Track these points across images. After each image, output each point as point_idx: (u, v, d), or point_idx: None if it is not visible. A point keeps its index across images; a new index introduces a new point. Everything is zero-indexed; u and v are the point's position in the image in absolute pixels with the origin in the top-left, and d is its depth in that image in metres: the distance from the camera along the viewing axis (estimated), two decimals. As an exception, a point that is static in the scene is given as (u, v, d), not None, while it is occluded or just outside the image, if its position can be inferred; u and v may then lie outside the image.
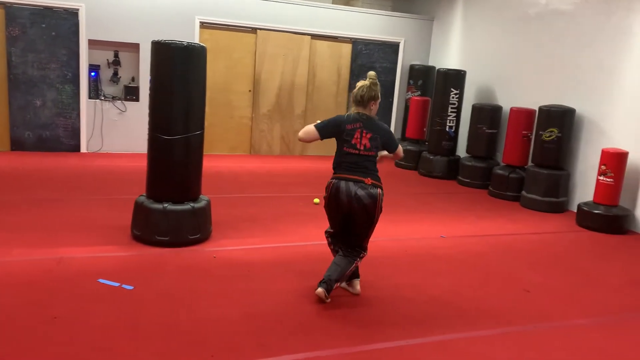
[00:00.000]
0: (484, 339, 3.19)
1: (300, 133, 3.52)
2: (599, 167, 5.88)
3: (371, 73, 3.58)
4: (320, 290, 3.43)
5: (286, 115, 9.03)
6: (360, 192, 3.36)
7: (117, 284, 3.54)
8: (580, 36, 6.66)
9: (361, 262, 3.63)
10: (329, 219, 3.63)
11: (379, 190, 3.43)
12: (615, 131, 6.20)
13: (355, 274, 3.67)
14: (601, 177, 5.85)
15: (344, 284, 3.69)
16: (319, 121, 3.57)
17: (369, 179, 3.40)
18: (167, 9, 8.01)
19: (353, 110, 3.52)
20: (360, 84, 3.53)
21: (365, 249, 3.60)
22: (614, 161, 5.76)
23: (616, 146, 6.09)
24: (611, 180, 5.77)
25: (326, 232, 3.73)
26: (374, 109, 3.52)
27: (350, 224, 3.51)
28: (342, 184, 3.39)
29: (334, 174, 3.50)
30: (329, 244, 3.73)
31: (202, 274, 3.83)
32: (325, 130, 3.49)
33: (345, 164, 3.44)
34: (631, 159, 5.89)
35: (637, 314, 3.77)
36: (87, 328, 2.97)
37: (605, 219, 5.78)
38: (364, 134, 3.42)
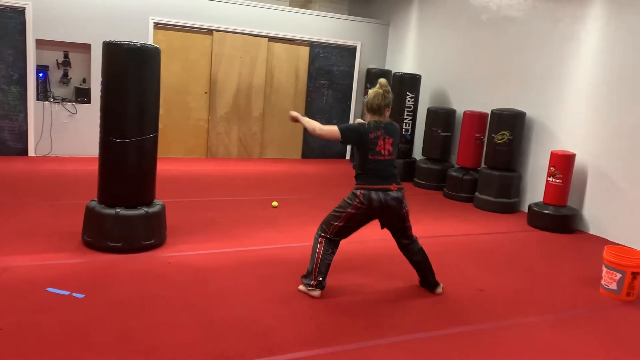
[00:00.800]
0: (439, 339, 3.24)
1: (323, 130, 3.62)
2: (548, 169, 6.08)
3: (382, 80, 3.66)
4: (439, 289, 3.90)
5: (244, 118, 8.96)
6: (391, 202, 3.58)
7: (67, 293, 3.42)
8: (530, 42, 6.89)
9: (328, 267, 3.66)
10: (347, 227, 3.66)
11: (402, 192, 3.67)
12: (563, 134, 6.44)
13: (434, 282, 3.94)
14: (550, 179, 6.06)
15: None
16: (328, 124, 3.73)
17: (393, 184, 3.60)
18: (119, 9, 7.82)
19: (369, 118, 3.65)
20: (373, 92, 3.62)
21: (413, 236, 3.86)
22: (563, 163, 5.98)
23: (564, 148, 6.32)
24: (560, 181, 5.98)
25: (324, 237, 3.69)
26: (387, 115, 3.67)
27: (386, 224, 3.75)
28: (373, 194, 3.55)
29: (360, 182, 3.62)
30: (322, 246, 3.68)
31: (156, 281, 3.74)
32: (348, 136, 3.64)
33: (372, 171, 3.59)
34: (578, 161, 6.12)
35: (585, 310, 3.92)
36: (35, 339, 2.85)
37: (554, 219, 5.98)
38: (386, 140, 3.60)
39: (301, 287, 3.73)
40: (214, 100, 8.72)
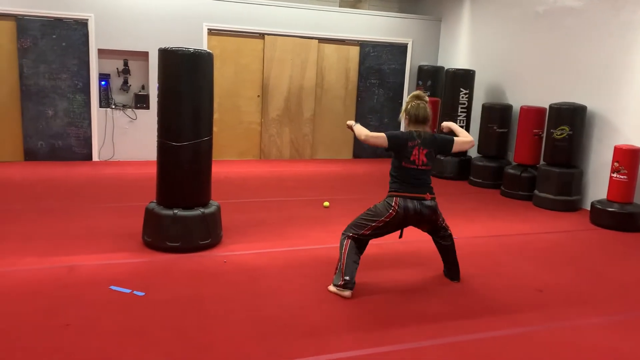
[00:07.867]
0: (497, 340, 3.16)
1: (370, 136, 3.72)
2: (612, 164, 5.80)
3: (419, 93, 3.79)
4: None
5: (295, 120, 9.05)
6: (425, 210, 3.65)
7: (128, 291, 3.56)
8: (589, 32, 6.60)
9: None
10: (379, 232, 3.70)
11: (435, 201, 3.74)
12: (628, 127, 6.13)
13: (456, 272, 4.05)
14: (614, 175, 5.78)
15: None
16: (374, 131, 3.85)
17: (427, 194, 3.67)
18: (175, 16, 8.08)
19: (412, 128, 3.73)
20: (416, 104, 3.70)
21: (448, 228, 3.93)
22: (627, 158, 5.69)
23: (629, 142, 6.01)
24: (625, 177, 5.69)
25: (351, 237, 3.72)
26: (428, 127, 3.75)
27: (421, 229, 3.87)
28: (409, 202, 3.62)
29: (395, 190, 3.68)
30: (348, 246, 3.69)
31: (212, 279, 3.84)
32: (394, 142, 3.68)
33: (406, 178, 3.66)
34: (644, 155, 5.81)
35: (653, 312, 3.71)
36: (98, 335, 2.99)
37: (619, 217, 5.70)
38: (421, 150, 3.65)
39: (331, 288, 3.70)
40: (266, 103, 8.85)
